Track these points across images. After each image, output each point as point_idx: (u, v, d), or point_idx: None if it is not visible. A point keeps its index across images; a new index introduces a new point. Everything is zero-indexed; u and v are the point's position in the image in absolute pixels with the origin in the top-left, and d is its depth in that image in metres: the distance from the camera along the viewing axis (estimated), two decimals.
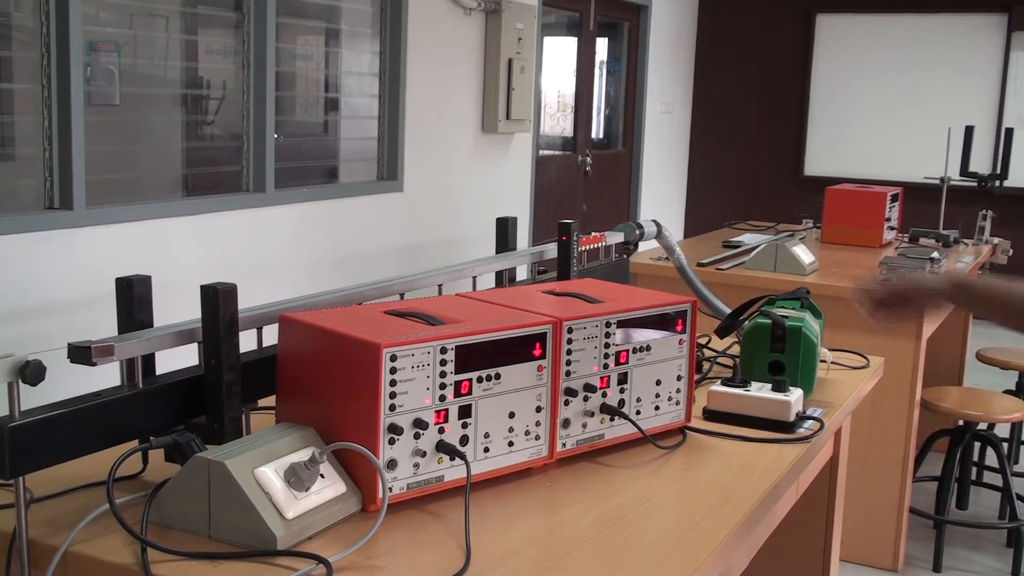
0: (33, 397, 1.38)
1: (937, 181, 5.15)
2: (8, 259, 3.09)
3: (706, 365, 2.37)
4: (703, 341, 2.49)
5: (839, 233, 4.64)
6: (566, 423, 1.74)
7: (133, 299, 1.60)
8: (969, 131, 5.13)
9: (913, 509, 3.89)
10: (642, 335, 1.84)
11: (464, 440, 1.58)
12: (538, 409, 1.68)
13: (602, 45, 7.14)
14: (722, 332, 2.27)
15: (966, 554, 3.98)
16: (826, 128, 8.06)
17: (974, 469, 4.47)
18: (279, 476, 1.41)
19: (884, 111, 7.87)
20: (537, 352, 1.66)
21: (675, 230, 8.21)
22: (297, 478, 1.41)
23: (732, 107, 8.27)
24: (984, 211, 4.97)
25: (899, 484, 3.73)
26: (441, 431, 1.55)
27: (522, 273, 2.63)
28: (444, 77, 5.14)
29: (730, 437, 1.93)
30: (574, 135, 6.85)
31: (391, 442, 1.49)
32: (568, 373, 1.73)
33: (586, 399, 1.76)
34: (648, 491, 1.66)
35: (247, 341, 1.67)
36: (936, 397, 3.85)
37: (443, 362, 1.53)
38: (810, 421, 2.02)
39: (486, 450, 1.62)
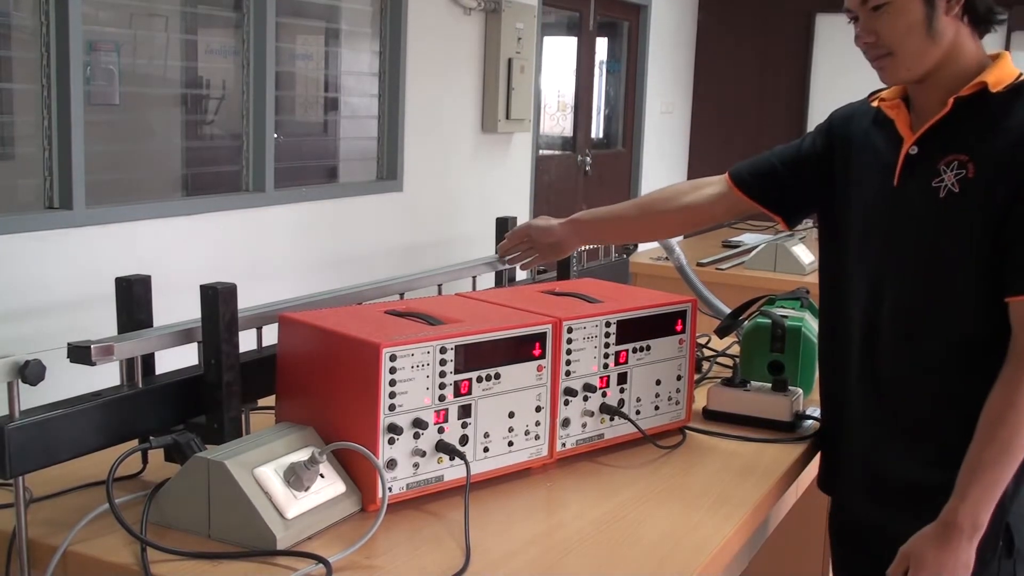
0: (33, 397, 1.38)
1: None
2: (8, 259, 3.09)
3: (706, 365, 2.37)
4: (703, 341, 2.49)
5: None
6: (566, 423, 1.74)
7: (133, 299, 1.60)
8: None
9: None
10: (642, 335, 1.84)
11: (464, 440, 1.58)
12: (538, 409, 1.68)
13: (602, 45, 7.13)
14: (722, 332, 2.27)
15: None
16: None
17: None
18: (279, 476, 1.41)
19: None
20: (537, 352, 1.66)
21: None
22: (297, 478, 1.41)
23: (732, 107, 8.26)
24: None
25: None
26: (441, 431, 1.55)
27: (522, 273, 2.63)
28: (444, 77, 5.14)
29: (730, 437, 1.93)
30: (574, 135, 6.84)
31: (391, 442, 1.49)
32: (568, 373, 1.73)
33: (586, 399, 1.76)
34: (648, 491, 1.66)
35: (247, 341, 1.67)
36: None
37: (443, 362, 1.53)
38: (810, 421, 2.02)
39: (486, 450, 1.62)
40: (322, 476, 1.45)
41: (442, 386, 1.54)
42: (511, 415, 1.64)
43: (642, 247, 2.95)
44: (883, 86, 1.75)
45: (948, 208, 1.60)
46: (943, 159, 1.61)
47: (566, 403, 1.73)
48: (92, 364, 1.46)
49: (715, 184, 1.96)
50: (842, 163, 1.79)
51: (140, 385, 1.55)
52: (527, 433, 1.67)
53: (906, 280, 1.67)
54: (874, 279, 1.71)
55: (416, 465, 1.53)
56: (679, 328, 1.91)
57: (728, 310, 2.41)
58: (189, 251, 3.72)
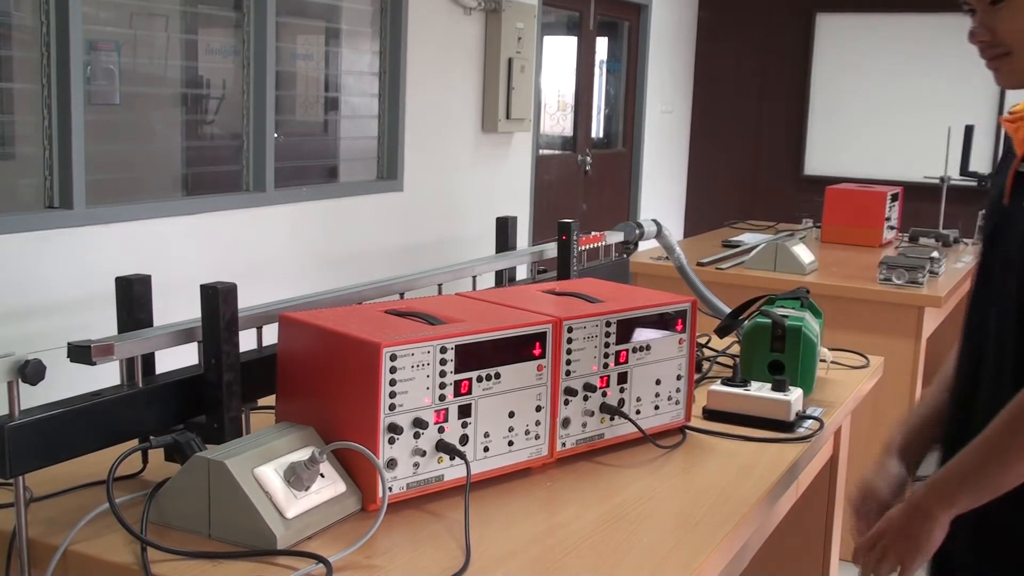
0: (33, 396, 1.38)
1: (937, 180, 5.15)
2: (8, 259, 3.09)
3: (706, 365, 2.37)
4: (703, 341, 2.49)
5: (839, 233, 4.64)
6: (566, 423, 1.74)
7: (133, 298, 1.60)
8: (969, 130, 5.11)
9: None
10: (642, 335, 1.84)
11: (464, 440, 1.58)
12: (538, 408, 1.68)
13: (602, 45, 7.13)
14: (722, 332, 2.27)
15: None
16: (826, 128, 8.05)
17: None
18: (279, 475, 1.41)
19: (884, 110, 7.87)
20: (537, 352, 1.66)
21: (675, 230, 8.20)
22: (297, 477, 1.41)
23: (732, 107, 8.26)
24: (984, 211, 4.95)
25: None
26: (441, 431, 1.55)
27: (522, 273, 2.63)
28: (444, 77, 5.14)
29: (730, 437, 1.93)
30: (574, 135, 6.84)
31: (391, 441, 1.49)
32: (568, 372, 1.73)
33: (586, 399, 1.76)
34: (648, 491, 1.66)
35: (247, 341, 1.67)
36: None
37: (443, 361, 1.53)
38: (810, 421, 2.02)
39: (486, 449, 1.62)
40: (322, 476, 1.45)
41: (442, 386, 1.54)
42: (511, 415, 1.64)
43: (642, 246, 2.94)
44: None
45: None
46: None
47: (566, 403, 1.73)
48: (92, 364, 1.46)
49: None
50: None
51: (140, 385, 1.55)
52: (527, 433, 1.67)
53: (1005, 305, 1.51)
54: (986, 303, 1.56)
55: (416, 465, 1.53)
56: (679, 328, 1.91)
57: (728, 310, 2.41)
58: (189, 251, 3.72)
